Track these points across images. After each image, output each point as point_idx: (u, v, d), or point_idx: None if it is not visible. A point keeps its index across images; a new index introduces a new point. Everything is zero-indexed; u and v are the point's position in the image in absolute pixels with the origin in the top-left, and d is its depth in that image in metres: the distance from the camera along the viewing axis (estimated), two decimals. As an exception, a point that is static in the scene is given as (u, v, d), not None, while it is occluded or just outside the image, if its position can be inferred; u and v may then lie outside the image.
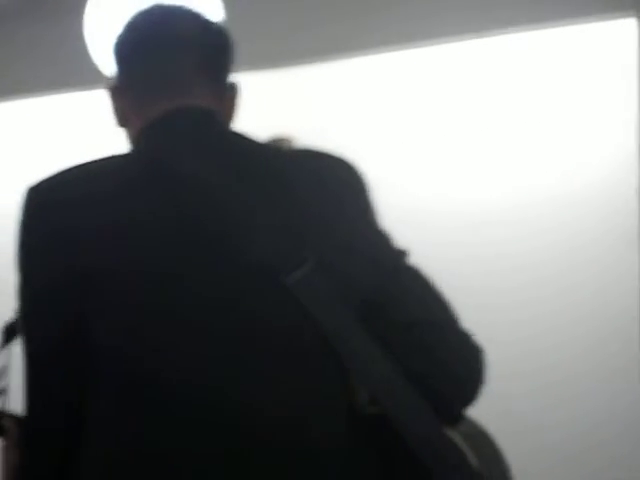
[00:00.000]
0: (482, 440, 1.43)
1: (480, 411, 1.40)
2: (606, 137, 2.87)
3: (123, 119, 1.45)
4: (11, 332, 1.69)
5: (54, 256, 1.27)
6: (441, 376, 1.32)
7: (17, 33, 3.47)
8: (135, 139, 1.42)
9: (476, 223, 2.97)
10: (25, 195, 1.32)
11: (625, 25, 2.74)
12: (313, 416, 1.27)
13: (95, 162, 1.33)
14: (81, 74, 3.22)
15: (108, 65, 2.84)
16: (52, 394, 1.29)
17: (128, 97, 1.43)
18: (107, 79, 1.48)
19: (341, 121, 3.17)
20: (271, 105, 3.07)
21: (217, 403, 1.23)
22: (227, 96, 1.46)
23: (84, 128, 3.54)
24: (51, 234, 1.28)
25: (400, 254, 1.39)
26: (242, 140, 1.39)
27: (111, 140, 3.31)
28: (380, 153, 3.07)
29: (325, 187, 1.36)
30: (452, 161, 3.08)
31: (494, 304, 2.85)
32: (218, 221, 1.27)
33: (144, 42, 1.43)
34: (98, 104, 3.41)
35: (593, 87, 2.91)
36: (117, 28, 2.72)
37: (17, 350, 1.64)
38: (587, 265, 2.84)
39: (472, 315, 1.43)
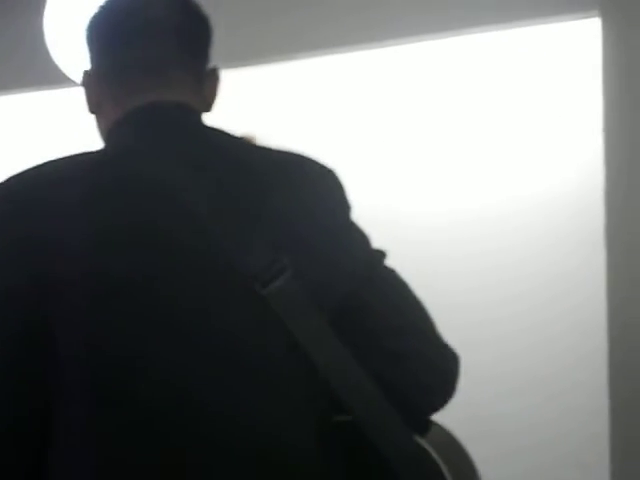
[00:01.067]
0: (454, 450, 1.41)
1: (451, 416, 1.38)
2: (572, 138, 2.88)
3: (96, 106, 1.40)
4: None
5: (15, 263, 1.21)
6: (412, 385, 1.30)
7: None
8: (107, 131, 1.37)
9: (448, 231, 2.95)
10: None
11: (589, 25, 2.74)
12: (285, 427, 1.24)
13: (61, 161, 1.28)
14: (40, 73, 3.16)
15: (69, 64, 2.81)
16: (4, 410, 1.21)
17: (101, 84, 1.39)
18: (78, 77, 1.44)
19: (322, 120, 3.15)
20: (247, 102, 3.06)
21: (185, 417, 1.19)
22: (207, 81, 1.41)
23: (43, 128, 3.49)
24: (12, 240, 1.22)
25: (377, 255, 1.36)
26: (216, 138, 1.35)
27: (71, 140, 3.28)
28: (359, 154, 3.06)
29: (301, 189, 1.33)
30: (419, 165, 3.07)
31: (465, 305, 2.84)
32: (189, 227, 1.23)
33: (120, 27, 1.38)
34: (58, 104, 3.41)
35: (558, 88, 2.92)
36: (78, 25, 2.69)
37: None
38: (554, 268, 2.83)
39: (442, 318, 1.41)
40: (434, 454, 1.32)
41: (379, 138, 3.11)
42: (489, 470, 1.48)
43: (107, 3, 1.40)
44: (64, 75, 2.95)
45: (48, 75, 3.10)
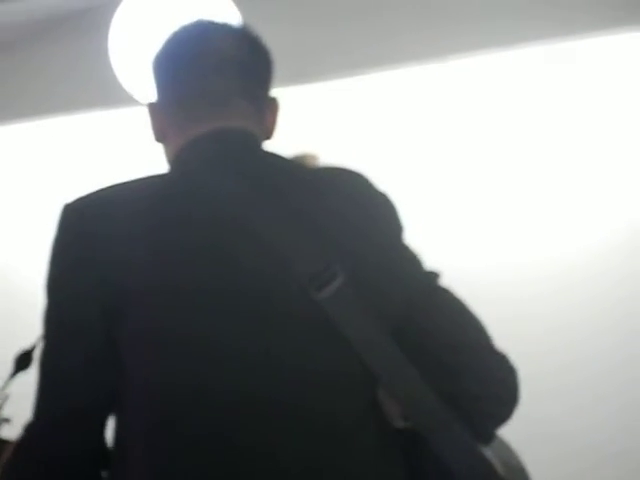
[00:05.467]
0: (518, 473, 1.43)
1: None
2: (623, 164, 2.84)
3: (161, 135, 1.45)
4: (24, 360, 1.68)
5: (85, 281, 1.26)
6: (477, 397, 1.32)
7: (42, 52, 3.49)
8: (172, 158, 1.42)
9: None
10: (60, 213, 1.32)
11: (632, 39, 2.73)
12: (345, 434, 1.26)
13: (131, 183, 1.33)
14: (106, 93, 3.23)
15: (134, 84, 2.87)
16: (71, 421, 1.28)
17: (167, 114, 1.43)
18: (142, 97, 1.49)
19: (364, 139, 3.16)
20: (292, 122, 3.08)
21: (248, 426, 1.23)
22: (268, 111, 1.46)
23: (111, 147, 3.56)
24: (83, 258, 1.27)
25: (432, 275, 1.39)
26: (276, 162, 1.39)
27: (139, 159, 3.35)
28: (402, 171, 3.06)
29: (357, 206, 1.36)
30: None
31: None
32: (249, 243, 1.27)
33: (185, 59, 1.43)
34: (124, 123, 3.47)
35: (603, 103, 2.89)
36: (142, 47, 2.74)
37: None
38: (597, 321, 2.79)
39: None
40: (498, 468, 1.33)
41: (420, 151, 3.11)
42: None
43: (172, 37, 1.45)
44: (128, 95, 3.01)
45: (112, 95, 3.17)
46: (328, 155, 1.97)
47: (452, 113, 3.09)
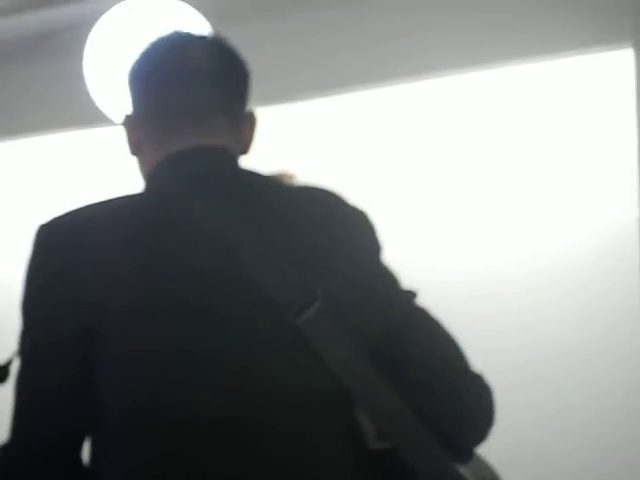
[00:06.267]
0: None
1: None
2: (605, 171, 2.87)
3: (137, 148, 1.44)
4: (0, 374, 1.67)
5: (60, 300, 1.26)
6: (453, 418, 1.32)
7: (17, 73, 3.48)
8: (147, 174, 1.41)
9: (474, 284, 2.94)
10: (36, 233, 1.31)
11: (622, 56, 2.74)
12: (323, 455, 1.26)
13: (106, 203, 1.32)
14: (81, 113, 3.22)
15: (109, 104, 2.86)
16: (48, 444, 1.27)
17: (142, 127, 1.42)
18: (117, 117, 1.48)
19: (341, 158, 3.16)
20: (270, 141, 3.08)
21: (225, 447, 1.22)
22: (245, 125, 1.45)
23: (86, 167, 3.55)
24: (58, 276, 1.27)
25: (409, 295, 1.38)
26: (252, 181, 1.38)
27: (110, 177, 3.32)
28: (381, 189, 3.07)
29: (333, 226, 1.36)
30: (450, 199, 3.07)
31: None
32: (226, 264, 1.27)
33: (161, 71, 1.42)
34: (98, 143, 3.46)
35: (590, 120, 2.91)
36: (116, 67, 2.74)
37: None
38: (595, 320, 2.81)
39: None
40: None
41: (409, 179, 3.11)
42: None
43: (148, 49, 1.44)
44: (103, 115, 3.00)
45: (88, 115, 3.16)
46: (305, 174, 1.97)
47: (438, 130, 3.09)
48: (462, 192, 3.04)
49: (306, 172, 2.00)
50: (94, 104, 3.01)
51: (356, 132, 3.19)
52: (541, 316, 2.84)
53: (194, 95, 1.40)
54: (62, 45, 3.26)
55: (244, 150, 1.45)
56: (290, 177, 2.05)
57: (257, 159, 1.47)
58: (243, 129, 1.44)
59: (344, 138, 3.20)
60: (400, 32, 2.95)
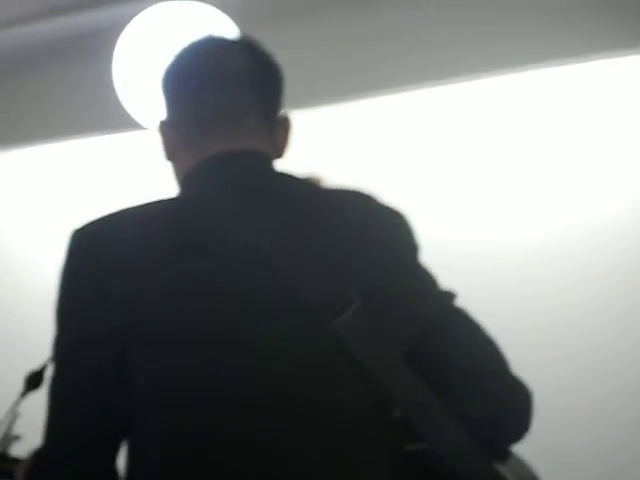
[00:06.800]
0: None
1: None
2: (630, 175, 2.85)
3: (171, 154, 1.43)
4: (34, 380, 1.68)
5: (94, 305, 1.25)
6: (489, 421, 1.31)
7: (45, 78, 3.50)
8: (182, 178, 1.41)
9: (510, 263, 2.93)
10: (70, 239, 1.30)
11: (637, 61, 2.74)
12: (360, 455, 1.25)
13: (140, 207, 1.31)
14: (110, 117, 3.23)
15: (138, 108, 2.87)
16: (84, 450, 1.27)
17: (177, 132, 1.42)
18: (146, 121, 1.48)
19: (370, 161, 3.16)
20: (298, 145, 3.08)
21: (264, 456, 1.21)
22: (280, 129, 1.44)
23: (114, 171, 3.56)
24: (93, 282, 1.26)
25: (447, 296, 1.37)
26: (287, 183, 1.37)
27: (141, 183, 3.34)
28: (411, 193, 3.06)
29: (370, 227, 1.35)
30: (481, 200, 3.06)
31: (535, 343, 2.80)
32: (261, 268, 1.26)
33: (195, 75, 1.41)
34: (128, 147, 3.47)
35: (611, 123, 2.90)
36: (146, 71, 2.75)
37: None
38: (627, 297, 2.80)
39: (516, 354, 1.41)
40: None
41: (432, 169, 3.11)
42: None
43: (181, 53, 1.43)
44: (132, 119, 3.01)
45: (117, 119, 3.17)
46: (332, 177, 1.96)
47: (464, 133, 3.09)
48: (488, 194, 3.04)
49: (334, 175, 1.99)
50: (123, 109, 3.02)
51: (382, 136, 3.18)
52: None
53: (229, 99, 1.39)
54: (91, 50, 3.27)
55: (279, 154, 1.44)
56: (318, 180, 2.05)
57: (285, 163, 1.47)
58: (278, 133, 1.44)
59: (371, 142, 3.20)
60: (423, 38, 2.96)
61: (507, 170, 3.03)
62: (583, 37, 2.76)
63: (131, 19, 2.87)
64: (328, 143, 3.22)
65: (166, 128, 1.44)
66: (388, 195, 1.46)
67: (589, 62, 2.86)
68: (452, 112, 3.10)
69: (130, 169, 3.48)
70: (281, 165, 1.45)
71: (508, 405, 1.33)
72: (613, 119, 2.90)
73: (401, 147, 3.16)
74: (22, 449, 1.64)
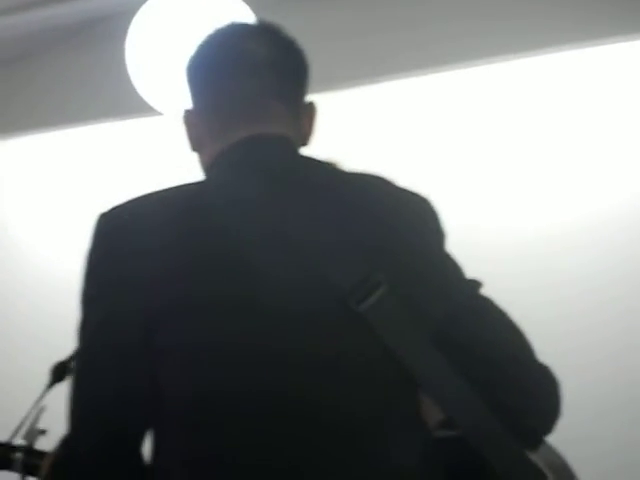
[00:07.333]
0: (563, 469, 1.41)
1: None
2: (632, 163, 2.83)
3: (197, 144, 1.42)
4: (60, 372, 1.67)
5: (119, 292, 1.24)
6: (517, 410, 1.29)
7: (55, 63, 3.49)
8: (208, 165, 1.39)
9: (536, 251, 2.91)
10: (96, 222, 1.29)
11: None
12: (388, 440, 1.23)
13: (165, 192, 1.30)
14: (123, 103, 3.22)
15: (152, 93, 2.85)
16: (107, 433, 1.25)
17: (204, 121, 1.40)
18: (160, 106, 1.47)
19: (383, 149, 3.14)
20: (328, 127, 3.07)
21: (293, 432, 1.20)
22: (305, 116, 1.42)
23: (128, 157, 3.55)
24: (119, 268, 1.24)
25: (474, 283, 1.35)
26: (313, 167, 1.36)
27: (155, 168, 3.33)
28: (423, 181, 3.04)
29: (398, 212, 1.34)
30: (499, 187, 3.04)
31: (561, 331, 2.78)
32: (286, 252, 1.24)
33: (221, 63, 1.40)
34: (141, 133, 3.46)
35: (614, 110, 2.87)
36: (160, 55, 2.72)
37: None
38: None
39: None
40: (545, 471, 1.33)
41: (450, 158, 3.09)
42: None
43: (205, 42, 1.43)
44: (145, 104, 2.99)
45: (130, 104, 3.15)
46: (349, 162, 1.94)
47: (474, 117, 3.07)
48: (499, 173, 3.02)
49: (350, 160, 1.97)
50: (136, 93, 3.00)
51: (396, 121, 3.17)
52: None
53: (254, 85, 1.38)
54: (103, 35, 3.26)
55: (304, 140, 1.43)
56: (335, 165, 2.02)
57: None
58: (303, 119, 1.42)
59: (384, 127, 3.18)
60: (428, 21, 2.93)
61: (517, 159, 3.02)
62: (581, 23, 2.74)
63: (144, 3, 2.85)
64: (340, 128, 3.19)
65: (192, 118, 1.43)
66: (402, 182, 1.44)
67: (592, 48, 2.84)
68: (463, 98, 3.08)
69: (144, 155, 3.47)
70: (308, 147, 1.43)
71: (537, 394, 1.32)
72: (623, 104, 2.87)
73: (414, 134, 3.15)
74: (48, 443, 1.63)
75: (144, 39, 2.86)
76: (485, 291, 1.36)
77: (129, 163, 3.53)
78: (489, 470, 1.25)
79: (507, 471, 1.25)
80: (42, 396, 1.70)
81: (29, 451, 1.68)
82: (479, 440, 1.25)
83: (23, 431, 1.71)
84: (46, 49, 3.46)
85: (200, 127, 1.41)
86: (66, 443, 1.29)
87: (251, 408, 1.19)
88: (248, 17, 2.47)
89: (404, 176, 1.48)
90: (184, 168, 1.48)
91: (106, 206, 1.30)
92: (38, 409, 1.72)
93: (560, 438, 1.39)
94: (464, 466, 1.28)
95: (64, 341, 1.54)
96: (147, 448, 1.28)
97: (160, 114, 2.94)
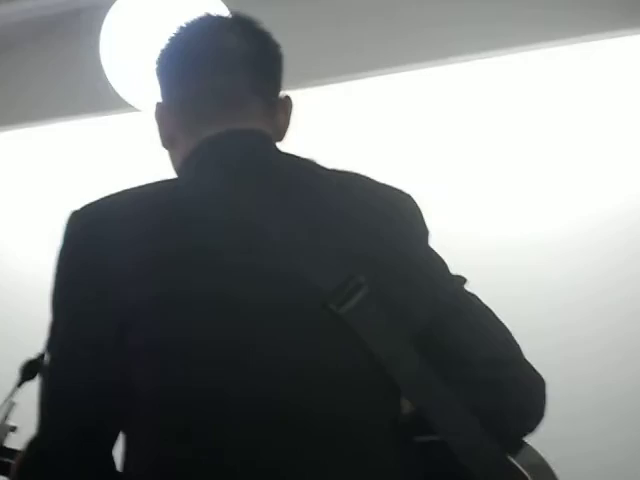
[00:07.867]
0: (544, 471, 1.39)
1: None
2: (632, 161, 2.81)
3: (169, 140, 1.39)
4: (30, 370, 1.65)
5: (90, 292, 1.21)
6: (506, 411, 1.27)
7: (30, 58, 3.45)
8: (181, 161, 1.36)
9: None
10: (67, 220, 1.27)
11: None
12: (366, 444, 1.21)
13: (139, 189, 1.28)
14: (99, 99, 3.18)
15: (127, 89, 2.82)
16: (78, 428, 1.23)
17: (176, 115, 1.37)
18: (136, 102, 1.44)
19: (364, 146, 3.11)
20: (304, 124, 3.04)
21: (268, 434, 1.18)
22: (280, 110, 1.39)
23: (103, 154, 3.51)
24: (90, 268, 1.22)
25: (458, 280, 1.33)
26: (290, 162, 1.34)
27: (129, 164, 3.29)
28: (405, 180, 3.02)
29: (379, 210, 1.32)
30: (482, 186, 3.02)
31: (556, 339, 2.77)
32: (263, 251, 1.22)
33: (192, 56, 1.37)
34: (117, 129, 3.42)
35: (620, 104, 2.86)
36: (135, 50, 2.69)
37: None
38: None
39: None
40: (525, 473, 1.31)
41: (437, 160, 3.07)
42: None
43: (177, 34, 1.40)
44: (122, 100, 2.96)
45: (105, 100, 3.11)
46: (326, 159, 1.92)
47: (465, 113, 3.05)
48: (490, 174, 2.99)
49: (326, 158, 1.95)
50: (111, 89, 2.96)
51: (375, 117, 3.14)
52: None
53: (228, 79, 1.36)
54: (78, 28, 3.21)
55: (280, 135, 1.41)
56: (315, 161, 2.01)
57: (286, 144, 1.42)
58: (278, 114, 1.40)
59: (365, 124, 3.15)
60: (419, 18, 2.91)
61: (508, 158, 2.99)
62: (582, 17, 2.72)
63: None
64: (320, 124, 3.17)
65: (163, 112, 1.40)
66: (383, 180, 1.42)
67: (593, 42, 2.82)
68: (448, 95, 3.06)
69: (119, 151, 3.44)
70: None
71: (520, 393, 1.30)
72: (622, 104, 2.86)
73: (395, 131, 3.12)
74: (19, 441, 1.60)
75: (117, 34, 2.83)
76: (468, 287, 1.34)
77: (103, 160, 3.49)
78: (469, 474, 1.23)
79: (487, 475, 1.23)
80: (12, 393, 1.68)
81: None
82: (459, 444, 1.23)
83: (-7, 428, 1.69)
84: (25, 42, 3.41)
85: (172, 122, 1.38)
86: (34, 442, 1.27)
87: (222, 410, 1.17)
88: (222, 11, 2.44)
89: (381, 176, 1.46)
90: (163, 165, 1.46)
91: (79, 203, 1.29)
92: (9, 405, 1.70)
93: (542, 438, 1.38)
94: (444, 469, 1.26)
95: (34, 340, 1.52)
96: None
97: (136, 110, 2.91)
